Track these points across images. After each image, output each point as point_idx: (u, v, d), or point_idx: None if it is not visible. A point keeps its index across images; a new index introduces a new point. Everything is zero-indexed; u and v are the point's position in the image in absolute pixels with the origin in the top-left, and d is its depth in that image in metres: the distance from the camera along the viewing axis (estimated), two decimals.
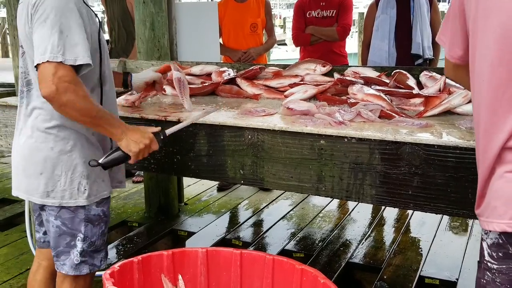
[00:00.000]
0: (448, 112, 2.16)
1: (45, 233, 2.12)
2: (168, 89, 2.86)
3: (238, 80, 2.84)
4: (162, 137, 2.01)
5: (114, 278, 1.69)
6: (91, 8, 1.89)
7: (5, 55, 18.85)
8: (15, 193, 2.02)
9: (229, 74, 2.97)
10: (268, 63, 4.94)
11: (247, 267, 1.91)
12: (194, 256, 1.93)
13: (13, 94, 3.02)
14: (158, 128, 1.98)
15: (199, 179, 4.68)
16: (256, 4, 4.59)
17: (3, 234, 3.73)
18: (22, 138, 1.96)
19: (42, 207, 2.00)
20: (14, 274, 3.13)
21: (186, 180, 4.59)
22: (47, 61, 1.68)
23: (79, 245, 1.97)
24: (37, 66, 1.71)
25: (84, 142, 1.93)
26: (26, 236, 3.07)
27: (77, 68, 1.75)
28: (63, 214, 1.95)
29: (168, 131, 2.04)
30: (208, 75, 3.04)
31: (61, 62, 1.68)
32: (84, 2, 1.86)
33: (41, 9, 1.72)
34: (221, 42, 4.51)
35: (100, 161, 1.89)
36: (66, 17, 1.72)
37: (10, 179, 4.84)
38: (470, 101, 2.13)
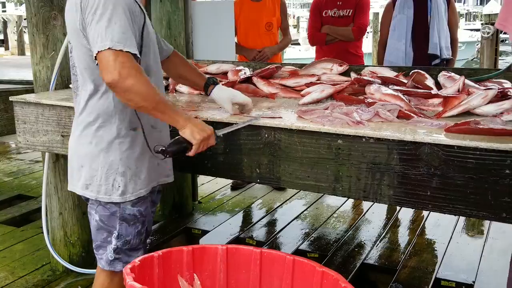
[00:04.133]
0: (467, 113, 2.14)
1: None
2: (183, 88, 2.87)
3: (255, 79, 2.84)
4: (217, 136, 2.00)
5: (134, 273, 1.69)
6: (137, 1, 1.89)
7: (21, 53, 19.05)
8: (68, 186, 2.08)
9: (245, 73, 2.97)
10: (282, 62, 4.92)
11: (267, 267, 1.89)
12: (214, 253, 1.92)
13: (31, 91, 3.04)
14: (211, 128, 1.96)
15: (213, 178, 4.68)
16: (272, 3, 4.57)
17: (19, 230, 3.77)
18: (73, 133, 2.02)
19: (87, 200, 2.03)
20: (30, 270, 3.15)
21: (200, 179, 4.60)
22: (108, 48, 1.71)
23: (114, 242, 2.00)
24: (96, 56, 1.74)
25: (123, 139, 1.93)
26: (42, 232, 3.09)
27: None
28: (100, 210, 1.99)
29: (219, 132, 2.02)
30: (224, 73, 3.04)
31: (121, 50, 1.71)
32: None
33: (92, 1, 1.76)
34: (236, 41, 4.51)
35: (165, 147, 1.87)
36: (116, 9, 1.75)
37: (26, 175, 4.96)
38: (489, 102, 2.11)
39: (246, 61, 4.19)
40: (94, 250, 2.08)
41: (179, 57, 2.37)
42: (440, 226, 3.74)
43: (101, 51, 1.72)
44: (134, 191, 1.96)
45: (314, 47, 4.69)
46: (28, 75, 3.28)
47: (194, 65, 2.54)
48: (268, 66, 2.95)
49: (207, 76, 2.40)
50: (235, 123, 2.11)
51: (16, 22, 21.07)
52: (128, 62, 1.72)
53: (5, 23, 21.93)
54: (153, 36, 2.01)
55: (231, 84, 2.84)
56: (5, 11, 33.86)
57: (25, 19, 6.61)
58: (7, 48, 20.89)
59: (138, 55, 1.79)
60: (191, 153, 1.90)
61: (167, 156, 1.89)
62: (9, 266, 3.22)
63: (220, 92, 2.29)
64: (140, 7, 1.89)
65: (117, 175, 1.93)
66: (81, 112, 1.95)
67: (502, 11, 1.60)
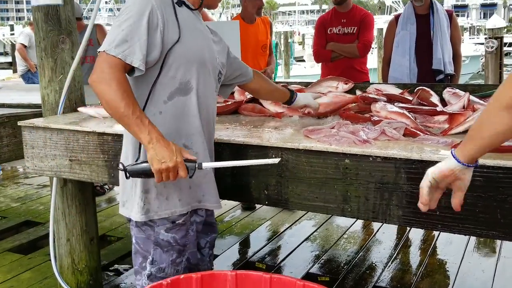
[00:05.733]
0: None
1: None
2: None
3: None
4: (197, 169, 1.80)
5: None
6: (180, 21, 1.88)
7: None
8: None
9: None
10: (288, 79, 4.94)
11: None
12: (223, 280, 1.89)
13: (39, 115, 3.05)
14: (195, 158, 1.81)
15: (221, 199, 4.66)
16: (263, 24, 4.67)
17: (26, 257, 3.74)
18: None
19: (129, 220, 2.01)
20: None
21: None
22: (103, 51, 1.76)
23: (148, 267, 1.97)
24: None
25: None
26: (50, 260, 3.07)
27: (133, 69, 1.80)
28: (136, 232, 1.98)
29: (205, 165, 1.83)
30: (231, 93, 3.05)
31: (113, 55, 1.75)
32: (175, 14, 1.87)
33: (122, 8, 1.85)
34: None
35: (126, 165, 1.80)
36: (133, 16, 1.78)
37: (34, 200, 4.97)
38: None
39: None
40: (134, 275, 2.06)
41: (262, 77, 2.44)
42: (452, 244, 3.69)
43: (100, 51, 1.79)
44: (160, 210, 1.90)
45: (320, 64, 4.72)
46: (37, 99, 3.30)
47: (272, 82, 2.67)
48: None
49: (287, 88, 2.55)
50: (225, 161, 2.03)
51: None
52: (109, 68, 1.74)
53: (13, 46, 22.19)
54: (194, 54, 1.93)
55: (238, 104, 2.85)
56: (13, 34, 34.29)
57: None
58: (15, 71, 21.10)
59: (140, 67, 1.78)
60: (156, 180, 1.77)
61: (128, 175, 1.78)
62: None
63: (303, 95, 2.55)
64: (178, 23, 1.86)
65: (142, 192, 1.90)
66: None
67: None
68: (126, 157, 1.93)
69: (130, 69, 1.81)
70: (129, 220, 2.00)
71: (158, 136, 1.74)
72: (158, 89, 1.88)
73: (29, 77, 7.12)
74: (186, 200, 1.96)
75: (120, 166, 1.81)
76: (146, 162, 1.77)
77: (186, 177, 1.77)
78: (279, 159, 1.99)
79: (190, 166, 1.77)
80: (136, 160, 1.85)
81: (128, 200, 1.95)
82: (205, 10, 5.27)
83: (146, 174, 1.78)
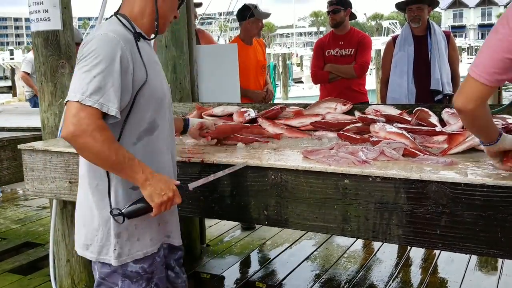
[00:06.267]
0: (473, 149, 2.14)
1: None
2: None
3: (260, 120, 2.86)
4: (186, 191, 1.91)
5: None
6: (144, 60, 1.83)
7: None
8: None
9: (250, 114, 3.00)
10: (286, 100, 5.02)
11: None
12: None
13: (39, 138, 3.07)
14: (178, 182, 1.87)
15: (220, 220, 4.66)
16: (259, 46, 4.77)
17: (26, 278, 3.73)
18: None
19: None
20: None
21: (208, 220, 4.57)
22: (77, 101, 1.67)
23: None
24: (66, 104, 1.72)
25: (114, 194, 1.84)
26: (50, 281, 3.06)
27: (105, 115, 1.72)
28: (100, 268, 1.92)
29: (192, 185, 1.95)
30: (230, 115, 3.07)
31: (90, 106, 1.67)
32: (139, 53, 1.82)
33: (85, 48, 1.74)
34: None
35: (122, 210, 1.78)
36: (103, 61, 1.70)
37: (33, 222, 4.95)
38: None
39: (250, 102, 4.24)
40: None
41: None
42: (453, 263, 3.68)
43: (70, 101, 1.69)
44: (131, 252, 1.88)
45: (318, 85, 4.77)
46: (37, 123, 3.33)
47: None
48: (273, 107, 2.98)
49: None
50: (210, 175, 2.06)
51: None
52: (88, 119, 1.66)
53: (13, 70, 22.36)
54: (158, 91, 1.90)
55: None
56: (13, 58, 34.63)
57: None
58: (14, 95, 21.21)
59: (116, 115, 1.72)
60: (152, 214, 1.81)
61: (126, 218, 1.79)
62: None
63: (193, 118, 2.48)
64: (143, 63, 1.82)
65: (113, 237, 1.85)
66: (81, 164, 1.92)
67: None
68: (117, 202, 1.83)
69: (103, 116, 1.73)
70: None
71: (151, 171, 1.79)
72: (127, 130, 1.83)
73: (35, 101, 7.18)
74: (157, 238, 1.97)
75: (115, 212, 1.78)
76: (140, 200, 1.79)
77: (180, 202, 1.85)
78: (246, 160, 2.13)
79: (181, 191, 1.86)
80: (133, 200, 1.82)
81: (93, 244, 1.88)
82: (210, 34, 5.42)
83: (143, 211, 1.81)
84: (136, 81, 1.79)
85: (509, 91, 19.41)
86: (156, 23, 1.90)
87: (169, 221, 2.03)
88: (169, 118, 2.01)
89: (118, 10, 1.93)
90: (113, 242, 1.85)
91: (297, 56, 39.36)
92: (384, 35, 44.17)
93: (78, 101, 1.67)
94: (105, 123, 1.72)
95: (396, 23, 47.47)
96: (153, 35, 1.94)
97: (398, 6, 4.32)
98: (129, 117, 1.81)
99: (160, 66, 2.02)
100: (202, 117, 3.07)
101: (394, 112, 2.79)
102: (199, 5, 4.93)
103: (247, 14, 4.57)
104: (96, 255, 1.88)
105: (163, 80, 1.99)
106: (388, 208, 1.88)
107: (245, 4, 4.71)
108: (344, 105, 2.95)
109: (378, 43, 24.83)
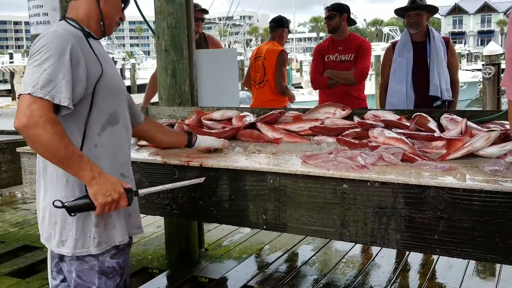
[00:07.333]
0: (471, 155, 2.14)
1: (63, 280, 2.09)
2: None
3: (259, 125, 2.87)
4: (135, 196, 1.95)
5: None
6: (98, 55, 1.90)
7: None
8: (42, 240, 2.03)
9: (249, 118, 3.01)
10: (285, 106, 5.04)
11: None
12: None
13: None
14: (128, 186, 1.89)
15: (219, 224, 4.66)
16: None
17: (24, 282, 3.72)
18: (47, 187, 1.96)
19: (62, 257, 1.98)
20: None
21: (207, 225, 4.57)
22: (28, 93, 1.71)
23: None
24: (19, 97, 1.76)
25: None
26: (48, 284, 3.05)
27: (59, 107, 1.77)
28: (77, 265, 1.93)
29: (142, 192, 2.00)
30: (229, 120, 3.08)
31: (40, 97, 1.71)
32: (91, 48, 1.89)
33: (36, 45, 1.80)
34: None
35: (65, 203, 1.79)
36: (53, 55, 1.75)
37: (32, 225, 4.94)
38: (492, 144, 2.12)
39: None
40: None
41: (154, 122, 2.47)
42: (451, 268, 3.68)
43: (22, 94, 1.73)
44: (109, 239, 1.92)
45: (318, 91, 4.77)
46: None
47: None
48: (272, 112, 2.99)
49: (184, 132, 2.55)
50: (163, 185, 2.11)
51: (23, 72, 21.50)
52: (40, 111, 1.70)
53: (12, 73, 22.40)
54: (115, 84, 1.98)
55: (236, 130, 2.87)
56: (12, 62, 34.67)
57: None
58: (14, 98, 21.25)
59: (69, 106, 1.76)
60: (95, 213, 1.84)
61: (68, 212, 1.80)
62: None
63: (200, 142, 2.45)
64: (97, 57, 1.89)
65: (92, 226, 1.89)
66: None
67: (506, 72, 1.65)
68: (66, 195, 1.86)
69: (56, 108, 1.77)
70: (61, 257, 1.98)
71: (99, 171, 1.81)
72: (92, 122, 1.89)
73: None
74: (128, 226, 2.03)
75: (58, 203, 1.79)
76: (86, 197, 1.80)
77: (126, 205, 1.88)
78: (204, 178, 2.18)
79: (129, 195, 1.87)
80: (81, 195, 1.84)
81: (68, 239, 1.89)
82: (219, 40, 5.58)
83: (86, 208, 1.82)
84: (91, 74, 1.85)
85: None
86: (102, 23, 1.97)
87: (136, 211, 2.10)
88: (127, 112, 2.09)
89: (64, 16, 2.00)
90: (92, 231, 1.89)
91: (296, 61, 39.44)
92: (384, 41, 44.24)
93: (29, 93, 1.71)
94: (57, 117, 1.76)
95: (396, 29, 47.56)
96: (101, 36, 2.02)
97: (397, 12, 4.34)
98: (92, 108, 1.88)
99: (114, 63, 2.09)
100: (201, 121, 3.08)
101: (393, 117, 2.79)
102: (206, 11, 4.97)
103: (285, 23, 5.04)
104: (72, 249, 1.90)
105: (118, 76, 2.07)
106: (386, 213, 1.89)
107: (280, 15, 5.18)
108: (343, 110, 2.96)
109: (378, 49, 24.87)
